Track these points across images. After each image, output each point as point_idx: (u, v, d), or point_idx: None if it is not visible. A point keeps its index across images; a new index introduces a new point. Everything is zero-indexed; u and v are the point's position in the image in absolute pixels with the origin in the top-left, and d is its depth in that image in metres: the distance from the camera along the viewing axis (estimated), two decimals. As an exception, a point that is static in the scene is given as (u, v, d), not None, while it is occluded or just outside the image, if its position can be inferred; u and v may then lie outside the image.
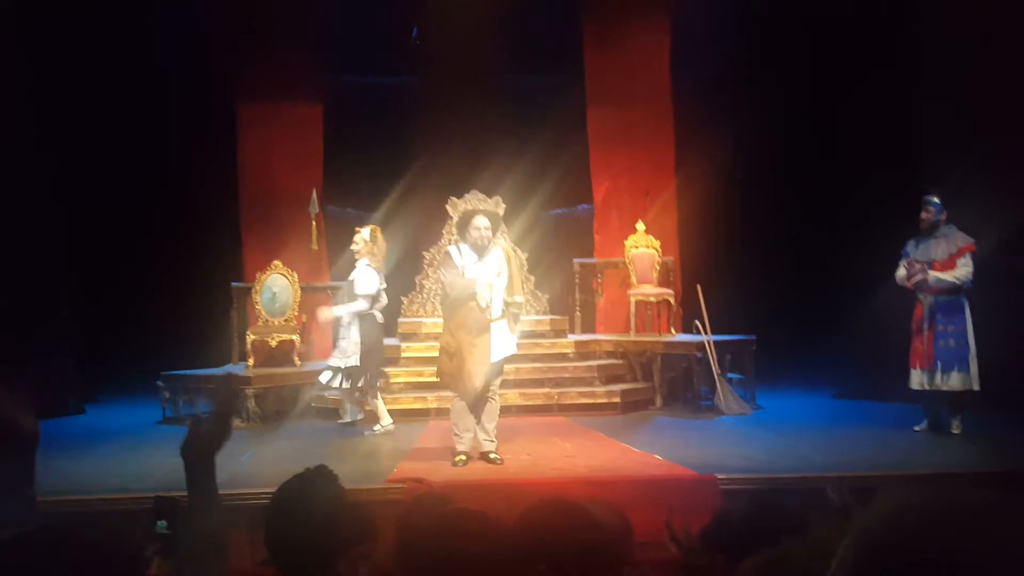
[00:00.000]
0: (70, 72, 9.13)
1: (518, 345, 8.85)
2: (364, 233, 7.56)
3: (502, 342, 6.32)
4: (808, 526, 2.63)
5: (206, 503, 2.13)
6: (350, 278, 7.55)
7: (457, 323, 6.31)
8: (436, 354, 8.73)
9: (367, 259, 7.42)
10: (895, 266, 7.41)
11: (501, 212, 9.92)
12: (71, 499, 5.28)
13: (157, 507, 3.46)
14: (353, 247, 7.60)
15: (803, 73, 9.86)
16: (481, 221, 6.34)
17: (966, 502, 0.91)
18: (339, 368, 7.45)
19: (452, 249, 6.52)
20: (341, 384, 7.48)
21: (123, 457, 6.86)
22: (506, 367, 8.57)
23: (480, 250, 6.31)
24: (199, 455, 2.16)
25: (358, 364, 7.37)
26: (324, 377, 7.61)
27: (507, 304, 6.33)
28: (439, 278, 6.73)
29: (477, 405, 6.35)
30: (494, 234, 6.55)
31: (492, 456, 6.33)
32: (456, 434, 6.40)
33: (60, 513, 4.54)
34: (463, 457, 6.30)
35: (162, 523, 3.40)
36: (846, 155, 9.63)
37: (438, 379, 6.71)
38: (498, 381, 6.52)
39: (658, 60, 9.91)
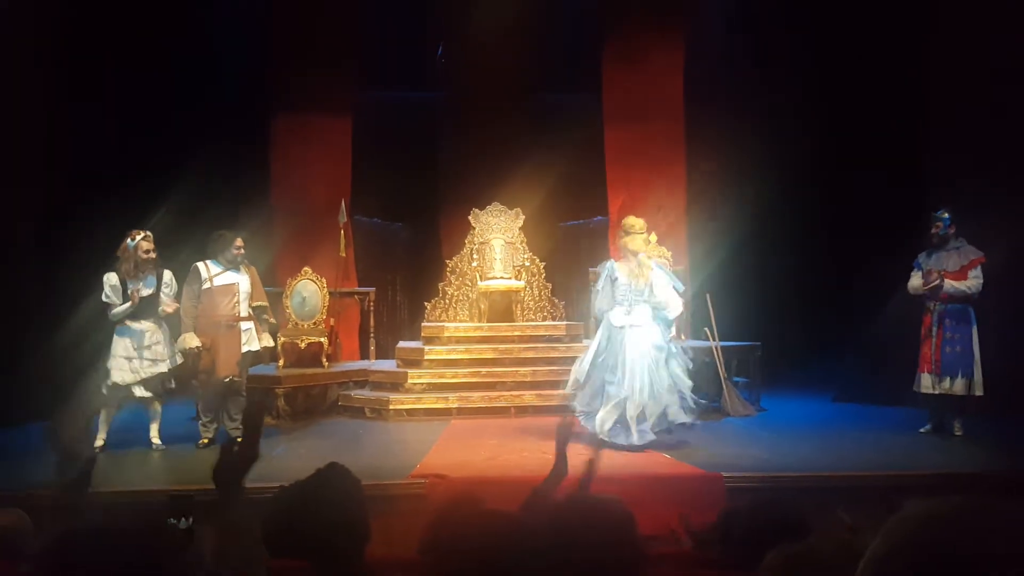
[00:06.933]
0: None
1: (538, 349, 8.99)
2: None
3: (249, 339, 7.21)
4: (809, 523, 2.64)
5: (234, 510, 2.17)
6: None
7: (212, 322, 7.04)
8: (459, 356, 8.93)
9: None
10: (894, 279, 7.46)
11: (520, 223, 10.02)
12: (119, 491, 5.33)
13: (174, 505, 3.47)
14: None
15: (810, 92, 9.84)
16: (239, 241, 7.19)
17: (998, 508, 0.91)
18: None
19: (200, 265, 7.16)
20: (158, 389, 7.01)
21: (163, 453, 6.91)
22: (523, 370, 8.70)
23: (231, 264, 7.15)
24: (231, 478, 2.19)
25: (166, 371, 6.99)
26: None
27: (254, 308, 7.26)
28: (188, 292, 7.08)
29: (227, 396, 7.12)
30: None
31: (241, 439, 6.91)
32: (203, 423, 7.14)
33: (109, 505, 4.58)
34: (205, 441, 7.06)
35: (184, 521, 3.40)
36: (851, 170, 9.58)
37: (197, 376, 7.17)
38: (245, 376, 7.34)
39: (672, 81, 9.92)
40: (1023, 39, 7.83)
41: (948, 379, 7.14)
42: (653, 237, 9.65)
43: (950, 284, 7.15)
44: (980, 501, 0.93)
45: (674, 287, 6.86)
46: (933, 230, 7.30)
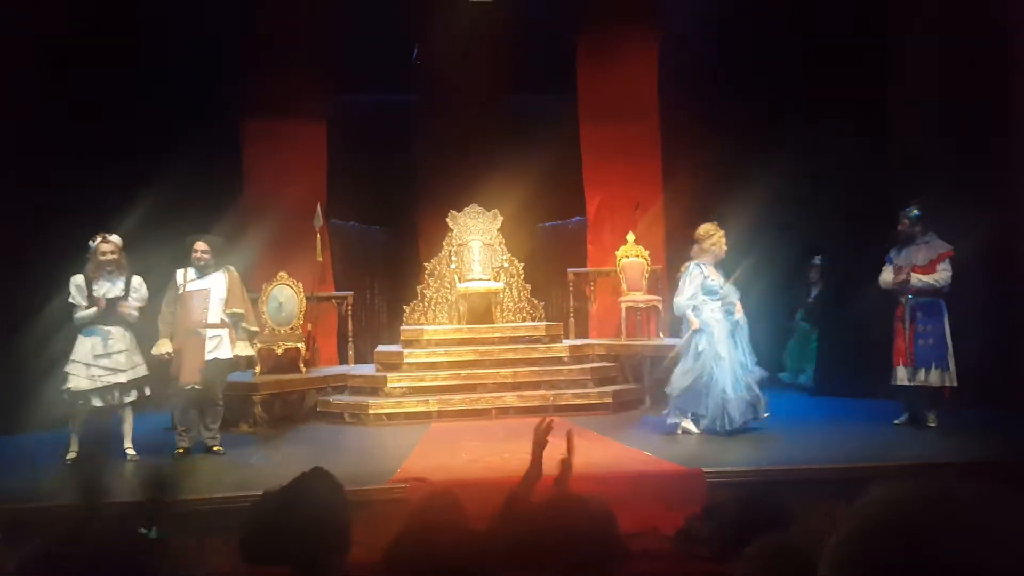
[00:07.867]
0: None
1: (518, 350, 8.97)
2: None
3: (218, 346, 6.96)
4: (790, 516, 2.64)
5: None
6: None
7: (183, 329, 6.88)
8: (438, 359, 8.90)
9: None
10: (868, 273, 7.53)
11: (498, 224, 9.99)
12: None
13: (145, 515, 3.40)
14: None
15: (786, 88, 9.89)
16: (200, 245, 6.99)
17: (959, 492, 0.90)
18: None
19: (179, 271, 7.04)
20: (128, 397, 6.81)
21: (137, 464, 6.81)
22: (504, 371, 8.69)
23: (201, 269, 6.98)
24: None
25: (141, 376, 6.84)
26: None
27: (229, 315, 7.03)
28: (166, 298, 6.96)
29: (201, 405, 6.98)
30: (213, 257, 7.05)
31: (216, 449, 6.98)
32: (179, 432, 6.98)
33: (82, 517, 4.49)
34: (181, 450, 6.90)
35: (154, 530, 3.35)
36: (827, 164, 9.62)
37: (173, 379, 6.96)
38: (221, 385, 7.14)
39: (646, 79, 9.96)
40: (1000, 26, 7.91)
41: (923, 371, 7.22)
42: (631, 236, 9.73)
43: (917, 279, 7.22)
44: (942, 484, 0.93)
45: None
46: (900, 226, 7.37)
